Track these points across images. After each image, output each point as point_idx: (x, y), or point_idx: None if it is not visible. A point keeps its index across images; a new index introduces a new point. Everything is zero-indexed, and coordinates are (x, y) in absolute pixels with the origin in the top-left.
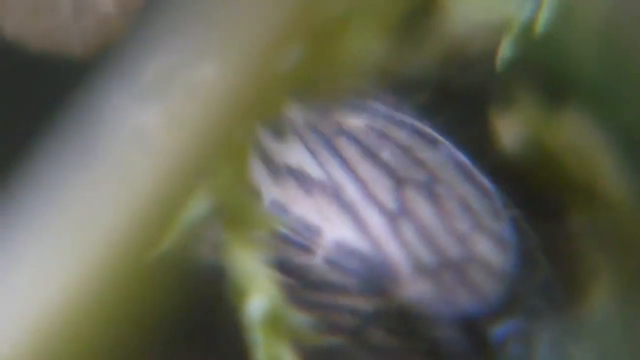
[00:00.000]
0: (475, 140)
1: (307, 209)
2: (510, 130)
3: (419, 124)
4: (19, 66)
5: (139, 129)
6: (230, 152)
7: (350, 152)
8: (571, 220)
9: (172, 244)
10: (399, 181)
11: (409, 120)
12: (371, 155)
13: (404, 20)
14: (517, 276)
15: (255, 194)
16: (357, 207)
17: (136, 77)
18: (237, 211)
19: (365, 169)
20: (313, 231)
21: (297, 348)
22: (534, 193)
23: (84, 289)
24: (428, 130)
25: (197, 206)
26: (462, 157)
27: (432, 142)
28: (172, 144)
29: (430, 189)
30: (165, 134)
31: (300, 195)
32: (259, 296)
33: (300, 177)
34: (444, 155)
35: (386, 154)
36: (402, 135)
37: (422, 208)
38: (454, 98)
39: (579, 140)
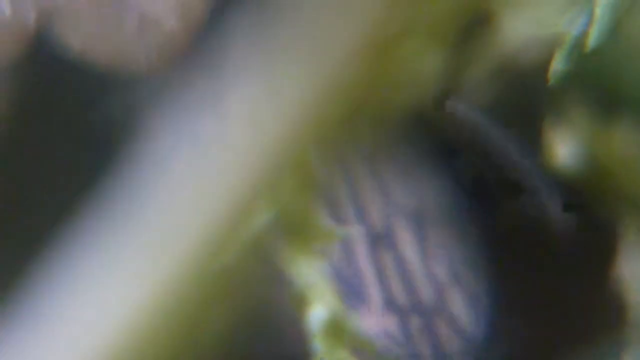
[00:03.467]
0: (528, 153)
1: None
2: (563, 142)
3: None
4: (85, 81)
5: (205, 142)
6: (294, 166)
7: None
8: (622, 227)
9: (236, 255)
10: (389, 202)
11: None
12: (374, 172)
13: (458, 36)
14: (483, 340)
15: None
16: (347, 219)
17: (201, 90)
18: (299, 223)
19: (366, 183)
20: None
21: (357, 356)
22: (586, 204)
23: (153, 298)
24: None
25: (261, 217)
26: (462, 203)
27: (434, 177)
28: (238, 156)
29: (419, 223)
30: (231, 147)
31: None
32: (320, 305)
33: None
34: (441, 193)
35: (386, 171)
36: (405, 160)
37: (407, 240)
38: (508, 111)
39: (631, 152)
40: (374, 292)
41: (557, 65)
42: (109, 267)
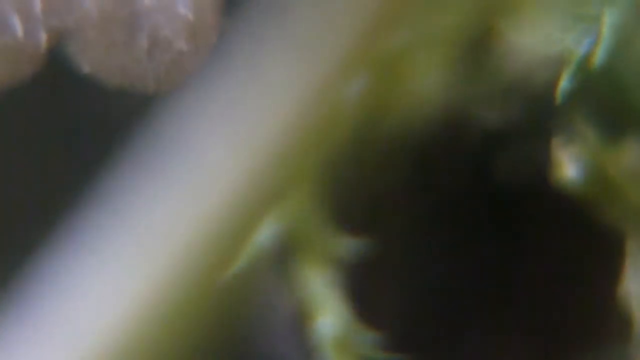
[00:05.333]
0: (536, 170)
1: None
2: (570, 159)
3: None
4: (95, 100)
5: (209, 157)
6: (299, 178)
7: None
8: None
9: (241, 267)
10: None
11: None
12: None
13: (465, 54)
14: None
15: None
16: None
17: (207, 107)
18: (306, 234)
19: None
20: None
21: None
22: (593, 219)
23: (150, 310)
24: None
25: (267, 230)
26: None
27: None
28: (241, 170)
29: None
30: (235, 161)
31: None
32: (328, 316)
33: None
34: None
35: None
36: None
37: None
38: (516, 128)
39: (638, 168)
40: None
41: (565, 83)
42: (108, 268)
